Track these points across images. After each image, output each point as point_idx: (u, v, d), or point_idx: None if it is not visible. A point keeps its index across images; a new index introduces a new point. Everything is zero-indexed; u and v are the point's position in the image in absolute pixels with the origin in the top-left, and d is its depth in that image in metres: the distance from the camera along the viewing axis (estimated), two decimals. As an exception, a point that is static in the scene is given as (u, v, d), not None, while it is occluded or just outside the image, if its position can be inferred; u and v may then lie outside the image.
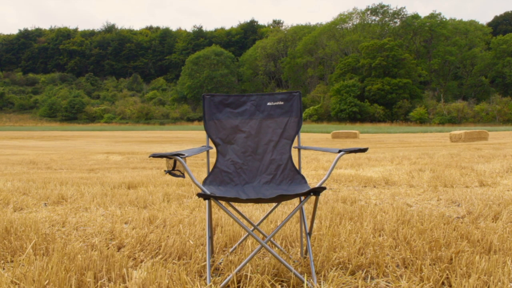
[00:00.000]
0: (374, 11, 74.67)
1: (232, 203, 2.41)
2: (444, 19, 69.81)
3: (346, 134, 25.99)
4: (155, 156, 1.62)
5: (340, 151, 1.88)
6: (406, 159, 8.22)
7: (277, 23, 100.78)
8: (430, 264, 2.02)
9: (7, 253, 2.27)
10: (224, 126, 2.39)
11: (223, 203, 3.14)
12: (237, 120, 2.41)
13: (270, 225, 2.88)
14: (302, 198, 2.07)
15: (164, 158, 1.76)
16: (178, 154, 1.76)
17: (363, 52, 63.80)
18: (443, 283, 1.85)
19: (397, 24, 73.21)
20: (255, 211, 3.37)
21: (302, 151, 9.51)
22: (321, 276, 1.94)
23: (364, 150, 1.76)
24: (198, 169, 7.23)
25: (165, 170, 1.97)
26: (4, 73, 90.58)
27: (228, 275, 1.87)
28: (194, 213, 3.29)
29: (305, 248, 2.23)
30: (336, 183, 5.06)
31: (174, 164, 1.95)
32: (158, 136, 32.46)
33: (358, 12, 76.96)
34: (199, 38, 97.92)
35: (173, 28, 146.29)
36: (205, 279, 1.89)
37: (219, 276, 1.98)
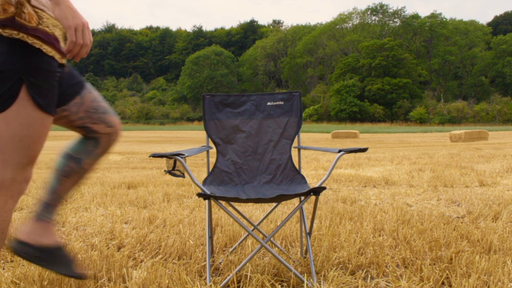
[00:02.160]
0: (374, 10, 74.72)
1: (232, 203, 2.41)
2: (444, 19, 69.90)
3: (346, 134, 25.99)
4: (155, 156, 1.62)
5: (340, 151, 1.88)
6: (406, 159, 8.22)
7: (277, 23, 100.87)
8: (430, 264, 2.02)
9: (7, 253, 2.27)
10: (224, 126, 2.39)
11: (223, 203, 3.14)
12: (237, 120, 2.41)
13: (270, 225, 2.88)
14: (302, 198, 2.07)
15: (164, 158, 1.76)
16: (178, 154, 1.76)
17: (363, 52, 63.83)
18: (443, 283, 1.85)
19: (397, 24, 73.28)
20: (255, 211, 3.37)
21: (302, 151, 9.51)
22: (321, 276, 1.94)
23: (364, 150, 1.76)
24: (198, 169, 7.23)
25: (165, 170, 1.97)
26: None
27: (228, 275, 1.87)
28: (194, 213, 3.29)
29: (305, 248, 2.23)
30: (336, 183, 5.06)
31: (174, 164, 1.95)
32: (158, 136, 32.46)
33: (358, 12, 77.16)
34: (199, 38, 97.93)
35: (173, 28, 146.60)
36: (205, 279, 1.89)
37: (219, 276, 1.98)
